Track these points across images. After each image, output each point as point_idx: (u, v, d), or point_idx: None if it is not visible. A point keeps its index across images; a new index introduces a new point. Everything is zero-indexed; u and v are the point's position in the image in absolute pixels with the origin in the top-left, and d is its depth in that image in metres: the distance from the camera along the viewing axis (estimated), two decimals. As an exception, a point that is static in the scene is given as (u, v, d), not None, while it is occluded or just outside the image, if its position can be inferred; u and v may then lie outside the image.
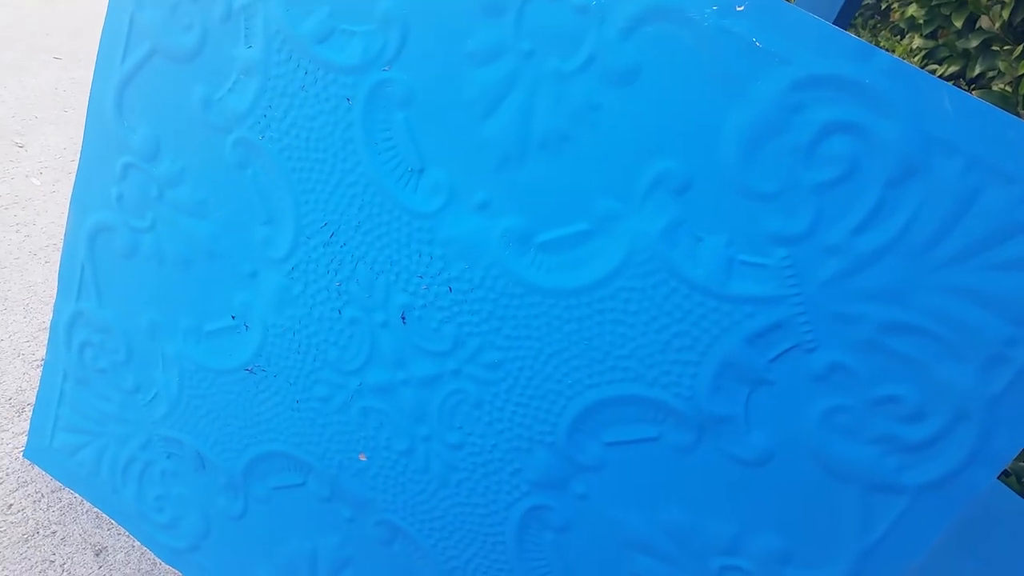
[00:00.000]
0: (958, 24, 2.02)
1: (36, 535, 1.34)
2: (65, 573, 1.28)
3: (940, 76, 2.17)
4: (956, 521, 0.80)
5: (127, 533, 1.34)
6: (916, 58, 2.25)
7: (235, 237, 1.05)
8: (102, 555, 1.32)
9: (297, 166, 0.97)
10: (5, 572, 1.27)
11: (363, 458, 1.05)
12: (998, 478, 0.78)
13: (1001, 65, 1.93)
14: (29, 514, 1.36)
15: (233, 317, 1.08)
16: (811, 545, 0.86)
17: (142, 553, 1.33)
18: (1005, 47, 1.92)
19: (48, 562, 1.30)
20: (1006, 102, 1.86)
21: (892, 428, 0.80)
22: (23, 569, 1.28)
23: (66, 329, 1.26)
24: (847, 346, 0.79)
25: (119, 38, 1.09)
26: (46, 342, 1.33)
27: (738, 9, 0.76)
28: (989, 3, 1.88)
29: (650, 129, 0.82)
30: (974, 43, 2.00)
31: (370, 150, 0.93)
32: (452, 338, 0.95)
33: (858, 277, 0.77)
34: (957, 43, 2.07)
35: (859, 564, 0.84)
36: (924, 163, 0.73)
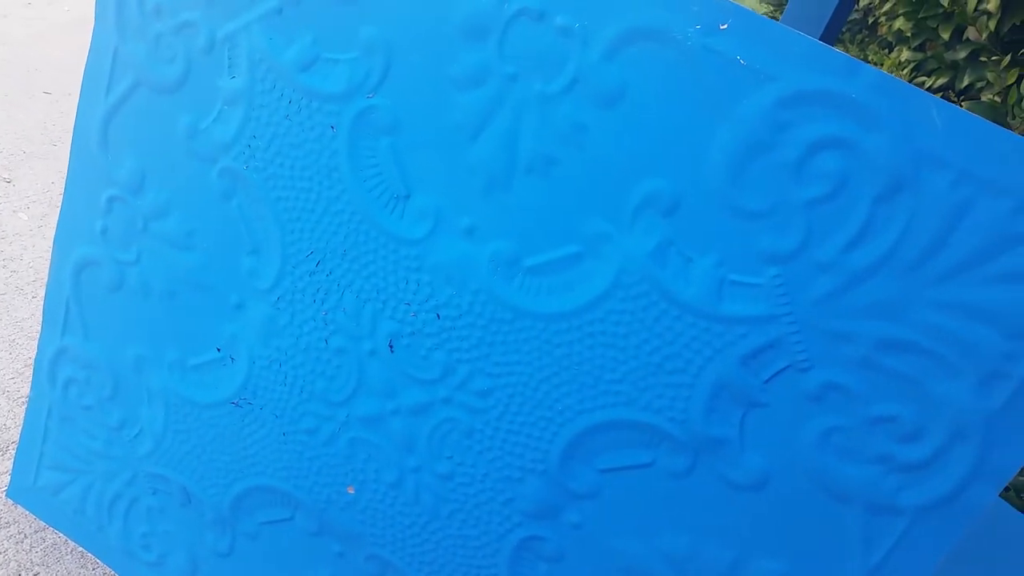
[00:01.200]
0: (945, 36, 2.04)
1: (18, 578, 1.30)
2: (47, 617, 1.25)
3: (929, 88, 2.18)
4: (960, 540, 0.78)
5: (113, 573, 1.31)
6: (904, 71, 2.27)
7: (221, 268, 1.03)
8: (86, 597, 1.29)
9: (282, 195, 0.96)
10: (-14, 617, 1.23)
11: (351, 491, 1.03)
12: (999, 494, 0.76)
13: (989, 76, 1.94)
14: (11, 555, 1.33)
15: (219, 349, 1.07)
16: (811, 569, 0.84)
17: (128, 594, 1.29)
18: (993, 57, 1.93)
19: (30, 606, 1.26)
20: (996, 112, 1.87)
21: (890, 447, 0.78)
22: (5, 614, 1.24)
23: (50, 365, 1.24)
24: (842, 365, 0.78)
25: (103, 71, 1.08)
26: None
27: (721, 28, 0.76)
28: (976, 14, 1.90)
29: (637, 150, 0.81)
30: (962, 55, 2.02)
31: (355, 177, 0.92)
32: (441, 366, 0.94)
33: (851, 294, 0.76)
34: (945, 55, 2.09)
35: (862, 589, 0.82)
36: (913, 177, 0.72)
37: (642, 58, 0.79)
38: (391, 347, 0.96)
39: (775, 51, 0.75)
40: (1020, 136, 0.70)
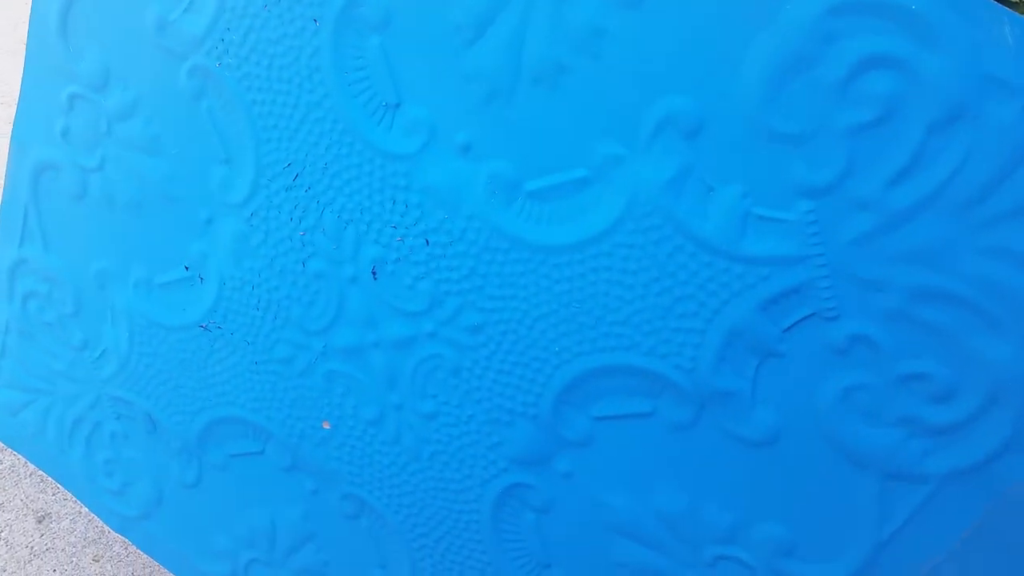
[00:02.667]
0: None
1: (-26, 499, 1.25)
2: (2, 542, 1.19)
3: None
4: (984, 514, 0.71)
5: (72, 499, 1.25)
6: None
7: (190, 178, 0.94)
8: (44, 522, 1.23)
9: (258, 98, 0.86)
10: (-59, 538, 1.17)
11: (327, 426, 0.96)
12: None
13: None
14: (-31, 476, 1.27)
15: (187, 268, 0.98)
16: (819, 536, 0.77)
17: (89, 521, 1.23)
18: None
19: (-15, 529, 1.21)
20: None
21: (918, 409, 0.70)
22: (-39, 535, 1.18)
23: (8, 277, 1.15)
24: (873, 316, 0.69)
25: (64, -50, 0.97)
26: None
27: (767, -85, 0.66)
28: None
29: (660, 60, 0.71)
30: None
31: (340, 80, 0.82)
32: (428, 297, 0.85)
33: (891, 236, 0.67)
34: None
35: (871, 559, 0.75)
36: (975, 105, 0.63)
37: (672, -51, 0.69)
38: (374, 274, 0.87)
39: (828, -52, 0.65)
40: (1105, 62, 0.60)
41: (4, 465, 1.30)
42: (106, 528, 1.22)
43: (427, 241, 0.84)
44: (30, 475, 1.29)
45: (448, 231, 0.82)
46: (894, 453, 0.72)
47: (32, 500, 1.26)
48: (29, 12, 1.01)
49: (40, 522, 1.22)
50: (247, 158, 0.89)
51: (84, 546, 1.18)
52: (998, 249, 0.65)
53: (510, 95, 0.77)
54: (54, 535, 1.20)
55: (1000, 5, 0.63)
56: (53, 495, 1.27)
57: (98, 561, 1.14)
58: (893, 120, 0.65)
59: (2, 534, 1.20)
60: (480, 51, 0.77)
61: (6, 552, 1.16)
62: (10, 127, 2.00)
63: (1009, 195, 0.64)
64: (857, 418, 0.72)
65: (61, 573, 1.12)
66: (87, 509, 1.19)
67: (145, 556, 1.16)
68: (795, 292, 0.71)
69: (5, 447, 1.30)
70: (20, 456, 1.27)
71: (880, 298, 0.69)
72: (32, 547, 1.18)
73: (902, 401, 0.71)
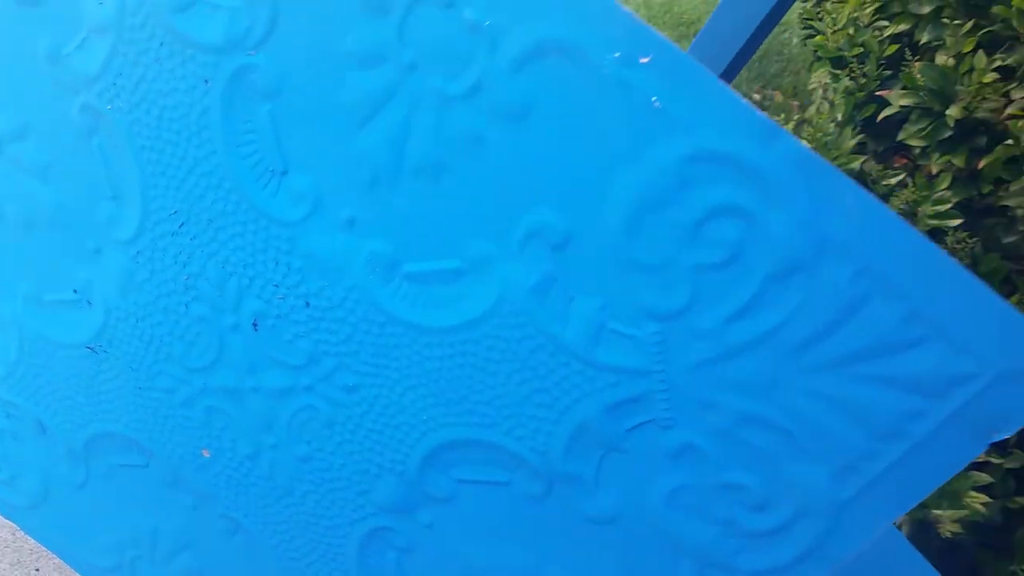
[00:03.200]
0: None
1: None
2: None
3: (889, 35, 2.12)
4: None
5: (-39, 486, 1.27)
6: (868, 10, 2.19)
7: (79, 209, 0.93)
8: (-70, 508, 1.25)
9: (147, 144, 0.86)
10: None
11: (206, 454, 1.00)
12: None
13: (948, 38, 1.89)
14: None
15: (75, 291, 0.98)
16: (645, 606, 0.86)
17: (-23, 507, 1.26)
18: (955, 21, 1.87)
19: None
20: (946, 78, 1.84)
21: (735, 513, 0.78)
22: None
23: None
24: (702, 430, 0.76)
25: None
26: None
27: (642, 61, 0.68)
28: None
29: (534, 174, 0.74)
30: (926, 9, 1.97)
31: (228, 141, 0.83)
32: (307, 354, 0.89)
33: (724, 366, 0.73)
34: (910, 5, 2.03)
35: (687, 631, 0.85)
36: (812, 262, 0.68)
37: (552, 76, 0.71)
38: (255, 326, 0.90)
39: (694, 100, 0.68)
40: (927, 240, 0.66)
41: None
42: (-6, 514, 1.24)
43: (308, 303, 0.86)
44: (-84, 459, 1.30)
45: (328, 297, 0.85)
46: (712, 547, 0.80)
47: (-83, 485, 1.27)
48: None
49: (-75, 506, 1.24)
50: (135, 199, 0.89)
51: (-30, 531, 1.21)
52: (817, 393, 0.71)
53: (393, 182, 0.79)
54: (-61, 520, 1.23)
55: (844, 175, 0.67)
56: (-61, 480, 1.28)
57: (-17, 546, 1.18)
58: (736, 265, 0.70)
59: None
60: (366, 136, 0.78)
61: None
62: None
63: (831, 349, 0.70)
64: (682, 513, 0.80)
65: (-56, 559, 1.16)
66: (-26, 494, 1.21)
67: (31, 544, 1.20)
68: (636, 400, 0.77)
69: None
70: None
71: (710, 416, 0.76)
72: (-82, 526, 1.20)
73: (722, 505, 0.78)
